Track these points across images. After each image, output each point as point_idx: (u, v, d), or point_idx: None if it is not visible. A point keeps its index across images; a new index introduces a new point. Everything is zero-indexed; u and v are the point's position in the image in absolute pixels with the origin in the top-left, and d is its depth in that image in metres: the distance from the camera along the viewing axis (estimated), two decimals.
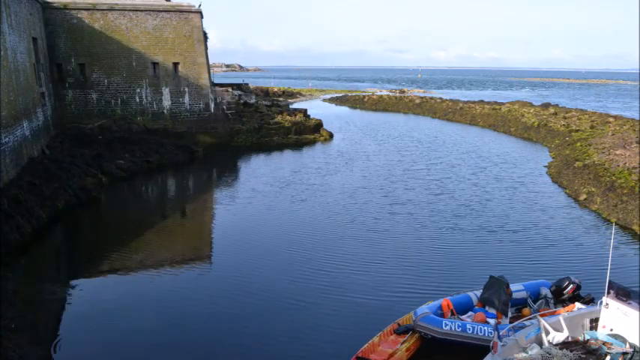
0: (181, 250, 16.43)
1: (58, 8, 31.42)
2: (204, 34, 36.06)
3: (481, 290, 11.26)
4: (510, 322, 9.98)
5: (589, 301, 11.33)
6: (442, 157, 31.89)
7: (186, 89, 34.83)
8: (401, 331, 10.27)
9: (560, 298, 11.47)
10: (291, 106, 51.03)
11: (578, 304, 10.46)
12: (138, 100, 33.88)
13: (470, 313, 10.93)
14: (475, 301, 11.19)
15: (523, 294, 11.45)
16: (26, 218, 16.48)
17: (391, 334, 10.23)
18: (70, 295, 12.49)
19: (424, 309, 10.38)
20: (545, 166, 29.06)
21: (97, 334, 10.33)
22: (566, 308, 10.49)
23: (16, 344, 9.27)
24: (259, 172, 27.35)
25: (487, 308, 10.87)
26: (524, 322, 9.56)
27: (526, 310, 11.07)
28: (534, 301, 11.46)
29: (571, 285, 11.49)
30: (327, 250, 15.75)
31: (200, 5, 34.39)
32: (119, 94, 33.46)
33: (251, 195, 22.54)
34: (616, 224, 18.00)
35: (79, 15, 31.95)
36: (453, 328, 9.72)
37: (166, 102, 34.52)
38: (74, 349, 9.79)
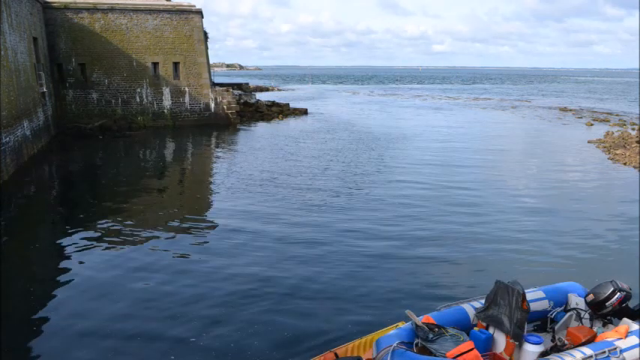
0: (180, 212, 15.87)
1: (58, 8, 31.42)
2: (205, 33, 36.09)
3: (482, 302, 6.99)
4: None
5: None
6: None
7: (187, 89, 34.84)
8: None
9: (600, 312, 7.43)
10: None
11: (628, 322, 6.63)
12: (138, 99, 33.90)
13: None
14: (473, 318, 6.93)
15: (543, 304, 7.27)
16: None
17: None
18: (65, 259, 11.97)
19: (392, 338, 6.02)
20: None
21: (88, 301, 9.76)
22: (616, 329, 6.50)
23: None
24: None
25: (491, 330, 6.61)
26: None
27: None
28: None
29: (618, 293, 7.20)
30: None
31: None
32: (119, 93, 33.49)
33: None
34: None
35: (79, 15, 31.96)
36: None
37: (167, 102, 34.54)
38: (65, 316, 9.28)
